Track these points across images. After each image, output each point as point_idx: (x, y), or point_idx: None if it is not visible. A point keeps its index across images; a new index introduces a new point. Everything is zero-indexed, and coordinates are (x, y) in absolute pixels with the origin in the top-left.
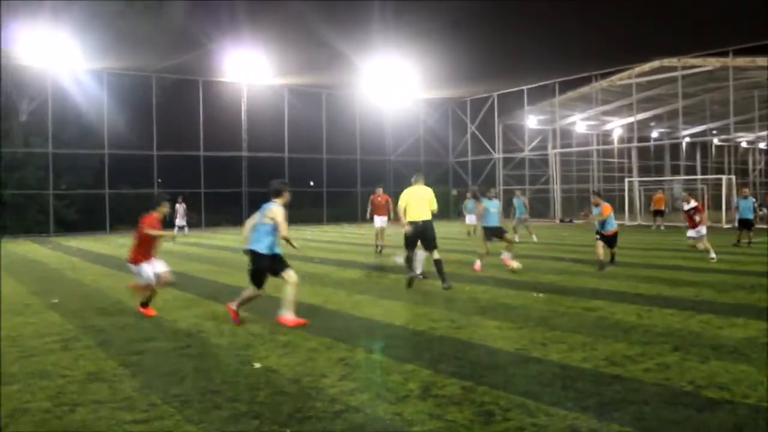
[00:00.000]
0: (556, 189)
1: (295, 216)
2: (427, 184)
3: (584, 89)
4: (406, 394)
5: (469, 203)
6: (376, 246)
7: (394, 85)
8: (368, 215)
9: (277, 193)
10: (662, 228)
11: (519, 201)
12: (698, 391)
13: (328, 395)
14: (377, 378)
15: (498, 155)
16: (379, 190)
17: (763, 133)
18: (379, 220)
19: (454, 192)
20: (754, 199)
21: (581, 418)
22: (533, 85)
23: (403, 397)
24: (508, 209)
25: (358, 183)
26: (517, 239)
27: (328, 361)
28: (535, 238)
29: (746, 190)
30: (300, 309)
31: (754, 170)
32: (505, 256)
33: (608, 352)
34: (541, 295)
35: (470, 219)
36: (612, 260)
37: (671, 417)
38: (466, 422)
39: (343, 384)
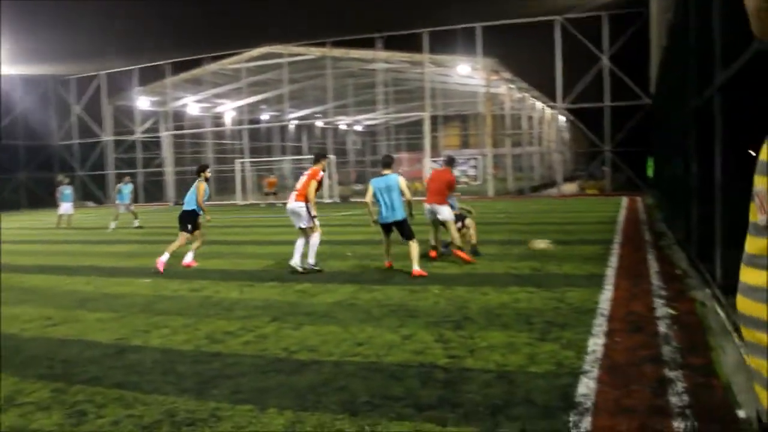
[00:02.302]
0: (170, 172)
1: None
2: (27, 170)
3: (196, 71)
4: None
5: (66, 189)
6: None
7: None
8: None
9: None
10: (278, 205)
11: (128, 187)
12: (291, 356)
13: None
14: None
15: (108, 138)
16: None
17: (359, 117)
18: None
19: (61, 178)
20: None
21: (179, 401)
22: (144, 65)
23: None
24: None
25: None
26: (113, 226)
27: None
28: (137, 223)
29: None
30: None
31: (351, 150)
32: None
33: (209, 330)
34: (147, 280)
35: (65, 208)
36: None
37: (265, 385)
38: (54, 428)
39: None
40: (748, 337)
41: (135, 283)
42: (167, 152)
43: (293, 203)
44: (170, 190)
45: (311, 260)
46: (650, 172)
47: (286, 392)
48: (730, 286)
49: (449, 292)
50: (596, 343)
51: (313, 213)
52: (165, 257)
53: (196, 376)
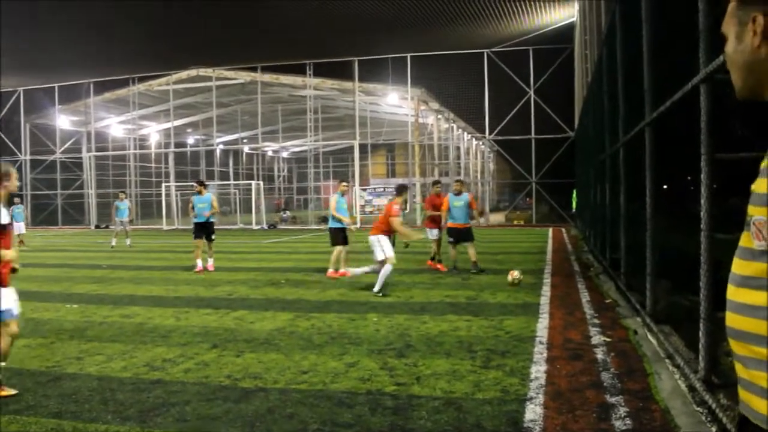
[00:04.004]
0: (91, 194)
1: None
2: None
3: (121, 92)
4: None
5: (17, 209)
6: None
7: None
8: None
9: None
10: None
11: (125, 204)
12: (235, 384)
13: None
14: None
15: (25, 157)
16: None
17: (287, 144)
18: None
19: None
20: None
21: (122, 429)
22: (66, 84)
23: None
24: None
25: None
26: (113, 243)
27: None
28: (129, 242)
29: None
30: None
31: (279, 176)
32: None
33: (148, 357)
34: (75, 306)
35: (17, 227)
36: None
37: (212, 412)
38: None
39: None
40: (742, 351)
41: (62, 308)
42: (88, 173)
43: (370, 236)
44: (92, 213)
45: (377, 287)
46: (575, 204)
47: (234, 420)
48: (658, 315)
49: (388, 320)
50: (538, 370)
51: (405, 236)
52: None
53: (137, 404)
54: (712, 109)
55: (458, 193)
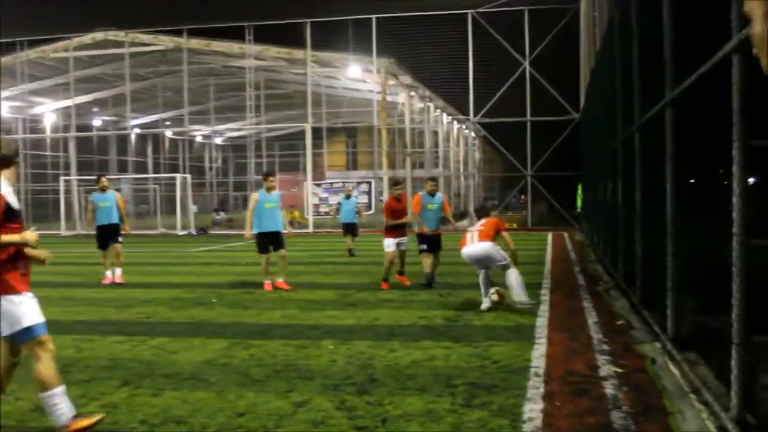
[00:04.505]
0: None
1: None
2: None
3: (6, 59)
4: None
5: None
6: None
7: None
8: None
9: None
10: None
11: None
12: (152, 431)
13: None
14: None
15: None
16: None
17: (220, 127)
18: None
19: None
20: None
21: None
22: None
23: None
24: None
25: None
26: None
27: None
28: None
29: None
30: None
31: (211, 168)
32: None
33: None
34: None
35: None
36: None
37: None
38: None
39: None
40: None
41: None
42: None
43: (482, 245)
44: None
45: (524, 297)
46: (580, 203)
47: None
48: (682, 339)
49: (347, 348)
50: (533, 409)
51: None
52: None
53: None
54: (746, 84)
55: (433, 194)
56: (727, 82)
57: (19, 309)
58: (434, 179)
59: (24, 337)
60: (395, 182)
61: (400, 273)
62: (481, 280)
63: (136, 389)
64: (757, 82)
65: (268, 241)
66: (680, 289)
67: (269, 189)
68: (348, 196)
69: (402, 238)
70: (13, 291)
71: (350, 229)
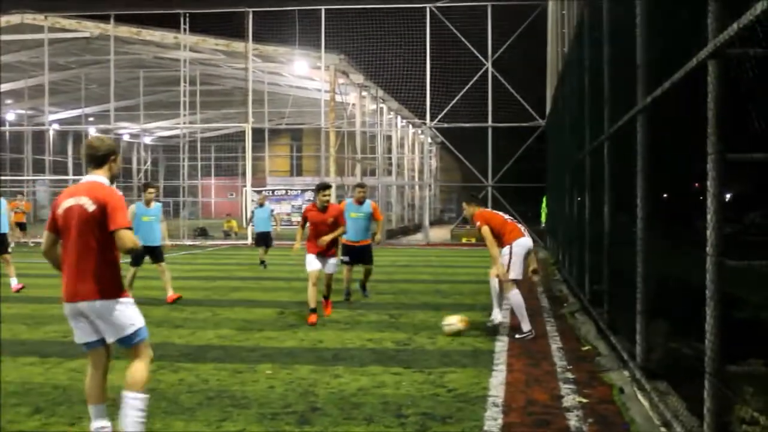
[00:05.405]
0: None
1: None
2: None
3: None
4: None
5: None
6: None
7: None
8: None
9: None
10: (30, 244)
11: None
12: None
13: None
14: None
15: None
16: None
17: (150, 125)
18: None
19: None
20: (272, 208)
21: None
22: None
23: None
24: None
25: None
26: None
27: None
28: None
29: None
30: None
31: (139, 171)
32: None
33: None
34: None
35: None
36: None
37: None
38: None
39: None
40: None
41: None
42: None
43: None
44: None
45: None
46: (544, 217)
47: None
48: (652, 367)
49: (287, 373)
50: None
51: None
52: None
53: None
54: (722, 93)
55: (360, 202)
56: (703, 91)
57: (130, 310)
58: (362, 186)
59: (135, 340)
60: (322, 186)
61: (325, 298)
62: (493, 289)
63: (50, 417)
64: (734, 92)
65: (145, 255)
66: (651, 313)
67: (148, 202)
68: (261, 204)
69: (330, 259)
70: (125, 294)
71: (263, 238)
